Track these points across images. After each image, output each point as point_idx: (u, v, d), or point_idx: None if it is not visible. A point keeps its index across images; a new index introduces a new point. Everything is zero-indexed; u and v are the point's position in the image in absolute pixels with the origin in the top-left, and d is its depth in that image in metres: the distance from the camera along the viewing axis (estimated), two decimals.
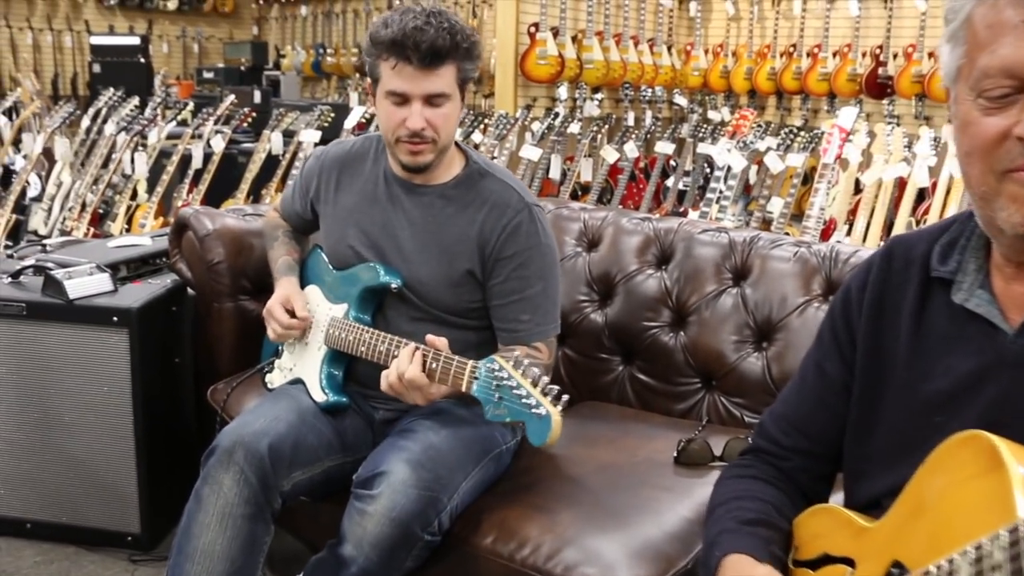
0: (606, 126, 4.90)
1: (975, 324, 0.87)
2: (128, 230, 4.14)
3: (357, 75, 7.07)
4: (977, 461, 0.72)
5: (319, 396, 1.54)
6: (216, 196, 4.08)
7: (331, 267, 1.63)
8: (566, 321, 1.61)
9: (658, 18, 5.93)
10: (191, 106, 4.63)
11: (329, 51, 7.45)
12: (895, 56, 5.32)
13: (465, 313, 1.53)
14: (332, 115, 4.38)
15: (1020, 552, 0.61)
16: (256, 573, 1.39)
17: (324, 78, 7.61)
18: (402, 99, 1.43)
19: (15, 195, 4.36)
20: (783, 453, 1.05)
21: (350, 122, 4.33)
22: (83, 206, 4.26)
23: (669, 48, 6.01)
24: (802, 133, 3.96)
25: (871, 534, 0.86)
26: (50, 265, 1.97)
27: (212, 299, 1.93)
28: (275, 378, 1.69)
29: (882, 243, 3.85)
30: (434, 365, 1.32)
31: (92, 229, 4.18)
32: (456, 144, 1.56)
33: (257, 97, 5.14)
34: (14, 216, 4.32)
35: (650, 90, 5.71)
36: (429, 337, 1.35)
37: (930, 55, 5.13)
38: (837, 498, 1.08)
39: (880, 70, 5.34)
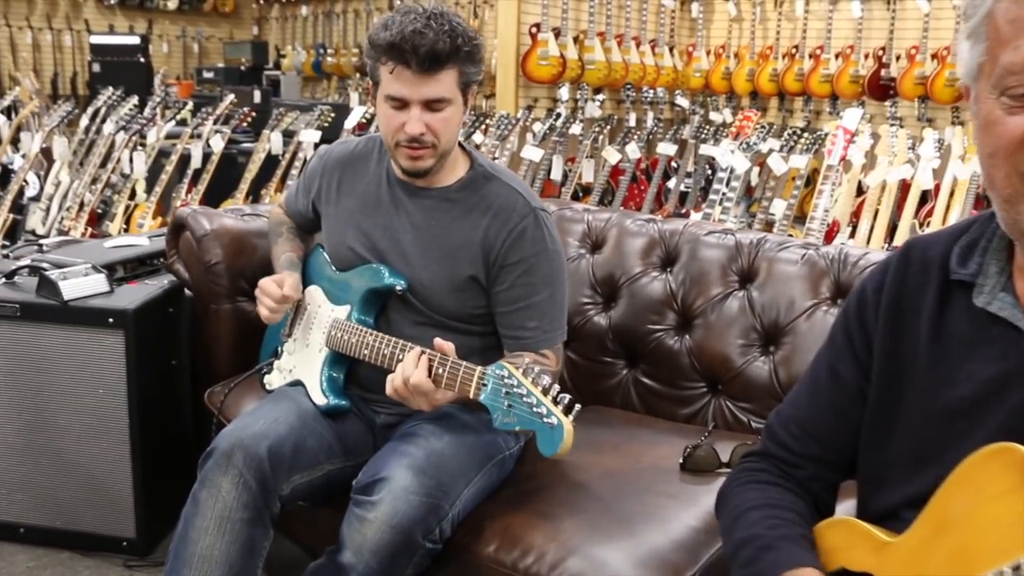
0: (608, 127, 4.88)
1: (998, 328, 0.84)
2: (126, 230, 4.11)
3: (357, 75, 7.05)
4: (1007, 476, 0.69)
5: (319, 399, 1.51)
6: (215, 196, 4.05)
7: (333, 267, 1.60)
8: (569, 324, 1.58)
9: (660, 19, 5.91)
10: (190, 106, 4.60)
11: (329, 51, 7.43)
12: (898, 58, 5.30)
13: (469, 319, 1.50)
14: (332, 115, 4.36)
15: None
16: None
17: (324, 78, 7.58)
18: (401, 104, 1.40)
19: (12, 194, 4.33)
20: (794, 460, 1.02)
21: (350, 122, 4.31)
22: (81, 206, 4.23)
23: (671, 49, 5.99)
24: (805, 134, 3.93)
25: (892, 550, 0.83)
26: (45, 265, 1.95)
27: (210, 300, 1.90)
28: (274, 379, 1.66)
29: (886, 246, 3.86)
30: (441, 371, 1.29)
31: (90, 229, 4.15)
32: (460, 145, 1.53)
33: (257, 97, 5.11)
34: (11, 216, 4.29)
35: (652, 91, 5.69)
36: (437, 341, 1.32)
37: (933, 56, 5.11)
38: (843, 507, 1.06)
39: (883, 72, 5.32)
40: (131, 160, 4.28)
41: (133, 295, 1.91)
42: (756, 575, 0.90)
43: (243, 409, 1.66)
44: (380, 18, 1.42)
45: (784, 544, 0.90)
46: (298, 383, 1.57)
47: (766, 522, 0.93)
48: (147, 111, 4.55)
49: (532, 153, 4.33)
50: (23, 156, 4.72)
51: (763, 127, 4.06)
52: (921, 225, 4.06)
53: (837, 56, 5.50)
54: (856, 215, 4.18)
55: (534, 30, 5.05)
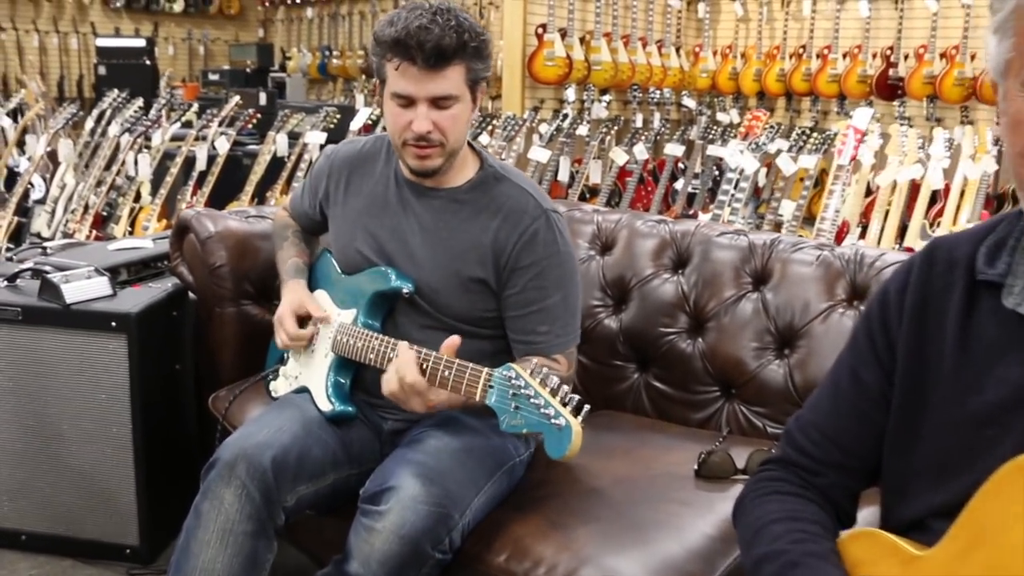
0: (615, 128, 4.85)
1: None
2: (131, 233, 4.09)
3: (363, 77, 7.04)
4: None
5: (325, 405, 1.48)
6: (220, 198, 4.03)
7: (340, 271, 1.57)
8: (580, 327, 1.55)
9: (666, 19, 5.88)
10: (195, 107, 4.59)
11: (335, 53, 7.42)
12: (906, 57, 5.26)
13: (478, 322, 1.47)
14: (338, 117, 4.35)
15: None
16: None
17: (330, 80, 7.58)
18: (407, 101, 1.36)
19: (17, 197, 4.32)
20: (815, 467, 0.98)
21: (356, 124, 4.29)
22: (86, 208, 4.22)
23: (677, 50, 5.96)
24: (815, 134, 3.89)
25: (921, 564, 0.80)
26: (47, 268, 1.92)
27: (214, 304, 1.87)
28: (279, 386, 1.63)
29: (897, 246, 3.82)
30: (447, 373, 1.26)
31: (94, 232, 4.14)
32: (470, 145, 1.49)
33: (262, 99, 5.10)
34: (16, 218, 4.27)
35: (658, 92, 5.66)
36: (452, 340, 1.29)
37: (942, 56, 5.07)
38: (863, 514, 1.02)
39: (891, 71, 5.28)
40: (136, 162, 4.27)
41: (136, 298, 1.88)
42: None
43: (248, 416, 1.63)
44: (385, 15, 1.39)
45: (811, 560, 0.87)
46: (304, 389, 1.54)
47: (790, 536, 0.90)
48: (152, 113, 4.54)
49: (539, 154, 4.31)
50: (29, 159, 4.71)
51: (772, 127, 4.03)
52: (931, 225, 4.02)
53: (845, 56, 5.46)
54: (865, 215, 4.15)
55: (540, 31, 5.03)
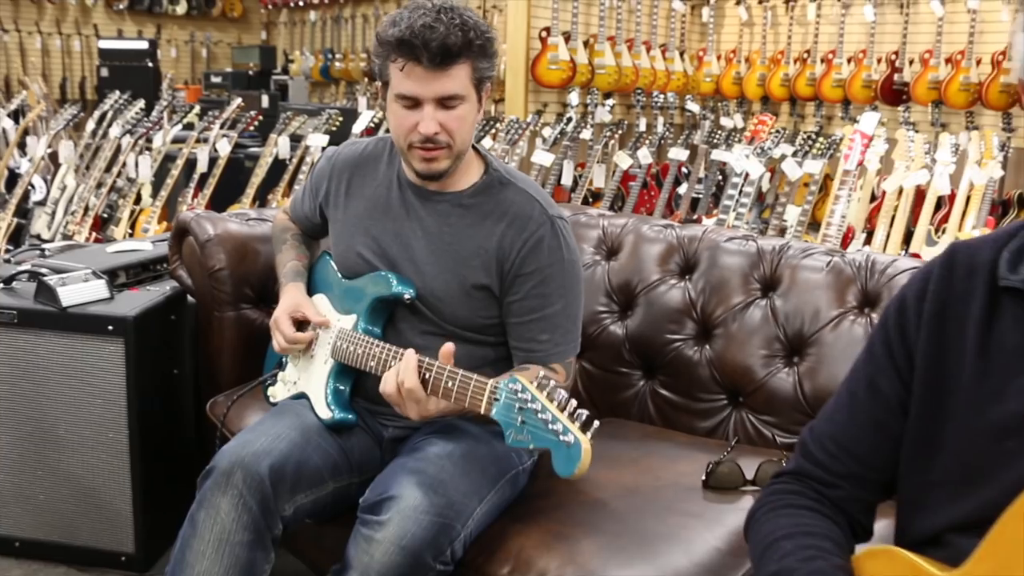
0: (618, 132, 4.83)
1: None
2: (131, 235, 4.07)
3: (365, 80, 7.03)
4: None
5: (324, 413, 1.45)
6: (221, 201, 4.01)
7: (340, 275, 1.54)
8: (584, 333, 1.52)
9: (670, 23, 5.86)
10: (197, 109, 4.57)
11: (338, 56, 7.41)
12: (911, 62, 5.24)
13: (481, 329, 1.44)
14: (340, 119, 4.32)
15: None
16: None
17: (332, 83, 7.57)
18: (413, 102, 1.33)
19: (17, 198, 4.29)
20: (830, 479, 0.95)
21: (358, 127, 4.27)
22: (86, 210, 4.19)
23: (681, 54, 5.94)
24: (820, 139, 3.87)
25: None
26: (44, 271, 1.89)
27: (213, 308, 1.84)
28: (278, 392, 1.60)
29: (903, 252, 3.79)
30: (450, 384, 1.23)
31: (94, 233, 4.12)
32: (474, 148, 1.47)
33: (265, 101, 5.08)
34: (15, 220, 4.25)
35: (662, 96, 5.64)
36: (446, 348, 1.26)
37: (947, 61, 5.04)
38: (877, 526, 0.99)
39: (896, 76, 5.25)
40: (137, 164, 4.24)
41: (134, 302, 1.86)
42: None
43: (247, 422, 1.60)
44: (388, 16, 1.36)
45: None
46: (302, 396, 1.51)
47: (801, 553, 0.87)
48: (153, 115, 4.52)
49: (543, 158, 4.29)
50: (29, 160, 4.69)
51: (778, 132, 4.01)
52: (936, 231, 4.00)
53: (849, 60, 5.44)
54: (870, 221, 4.12)
55: (544, 34, 5.01)
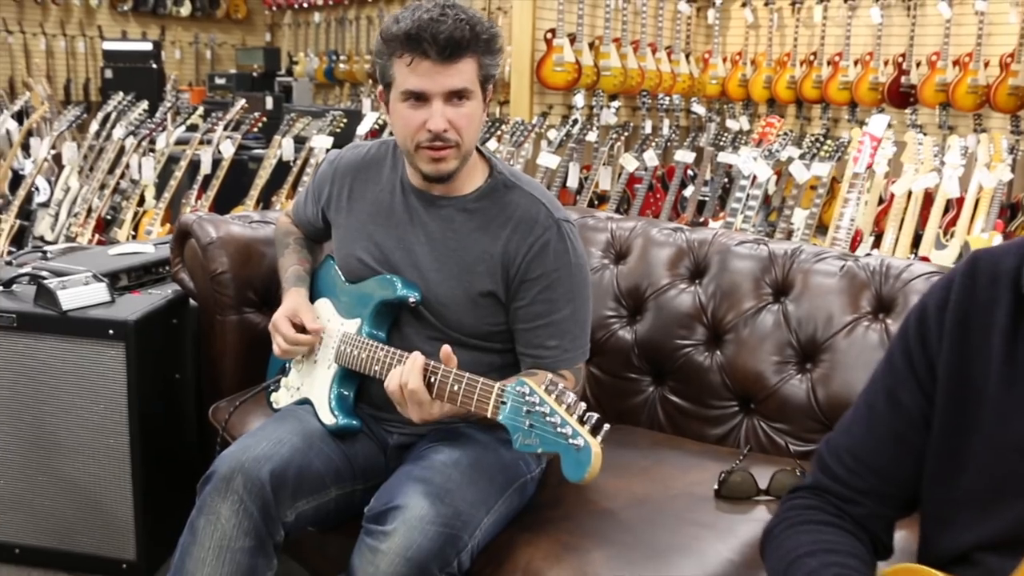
0: (624, 134, 4.80)
1: None
2: (135, 237, 4.05)
3: (370, 82, 7.01)
4: None
5: (328, 418, 1.42)
6: (225, 203, 3.98)
7: (344, 279, 1.52)
8: (593, 338, 1.49)
9: (676, 25, 5.83)
10: (200, 111, 4.55)
11: (342, 58, 7.40)
12: (918, 64, 5.21)
13: (487, 336, 1.41)
14: (344, 121, 4.30)
15: None
16: None
17: (337, 85, 7.56)
18: (421, 99, 1.31)
19: (20, 200, 4.28)
20: (849, 495, 0.92)
21: (362, 128, 4.25)
22: (89, 211, 4.17)
23: (687, 56, 5.91)
24: (828, 142, 3.84)
25: None
26: (44, 273, 1.87)
27: (215, 311, 1.82)
28: (281, 397, 1.57)
29: (912, 255, 3.76)
30: (456, 387, 1.20)
31: (97, 235, 4.09)
32: (479, 151, 1.44)
33: (269, 103, 5.06)
34: (19, 221, 4.23)
35: (668, 98, 5.61)
36: (444, 350, 1.24)
37: (955, 63, 5.01)
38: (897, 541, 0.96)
39: (903, 79, 5.22)
40: (140, 166, 4.22)
41: (135, 305, 1.83)
42: None
43: (249, 427, 1.57)
44: (390, 15, 1.34)
45: None
46: (306, 401, 1.49)
47: (827, 571, 0.84)
48: (157, 116, 4.50)
49: (548, 160, 4.26)
50: (33, 161, 4.68)
51: (785, 134, 3.98)
52: (945, 235, 3.97)
53: (856, 63, 5.41)
54: (877, 224, 4.09)
55: (549, 36, 5.00)
